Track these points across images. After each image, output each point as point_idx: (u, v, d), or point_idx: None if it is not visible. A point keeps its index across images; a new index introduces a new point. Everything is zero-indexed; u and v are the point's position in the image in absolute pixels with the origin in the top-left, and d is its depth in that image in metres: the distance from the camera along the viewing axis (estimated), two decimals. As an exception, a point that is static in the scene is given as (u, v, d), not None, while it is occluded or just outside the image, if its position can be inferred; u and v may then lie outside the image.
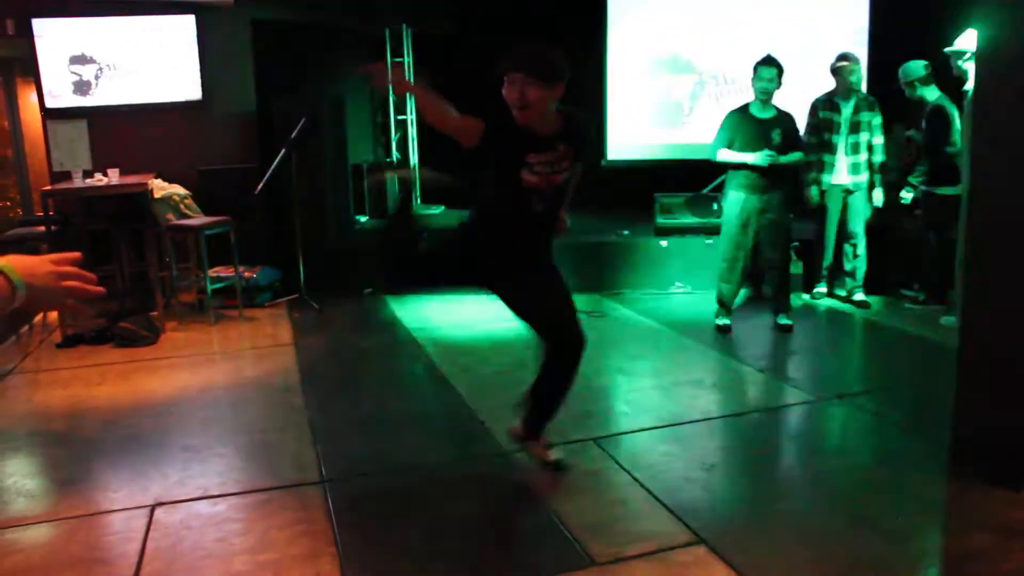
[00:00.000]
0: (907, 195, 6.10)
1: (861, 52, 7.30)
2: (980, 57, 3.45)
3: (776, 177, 5.49)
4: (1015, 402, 3.29)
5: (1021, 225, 3.22)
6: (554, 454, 3.59)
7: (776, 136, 5.41)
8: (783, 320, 5.72)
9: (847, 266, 6.48)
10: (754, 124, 5.46)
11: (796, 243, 6.65)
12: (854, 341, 5.97)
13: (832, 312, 6.40)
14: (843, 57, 6.20)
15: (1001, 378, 3.34)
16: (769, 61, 5.43)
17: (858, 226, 6.38)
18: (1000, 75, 3.26)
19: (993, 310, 3.37)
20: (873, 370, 5.24)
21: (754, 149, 5.40)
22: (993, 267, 3.37)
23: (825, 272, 6.61)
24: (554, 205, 3.32)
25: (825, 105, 6.28)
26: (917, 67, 6.01)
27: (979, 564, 2.82)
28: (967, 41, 5.26)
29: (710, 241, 6.89)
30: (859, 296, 6.44)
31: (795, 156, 5.53)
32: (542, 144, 3.15)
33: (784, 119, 5.51)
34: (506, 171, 3.17)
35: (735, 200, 5.60)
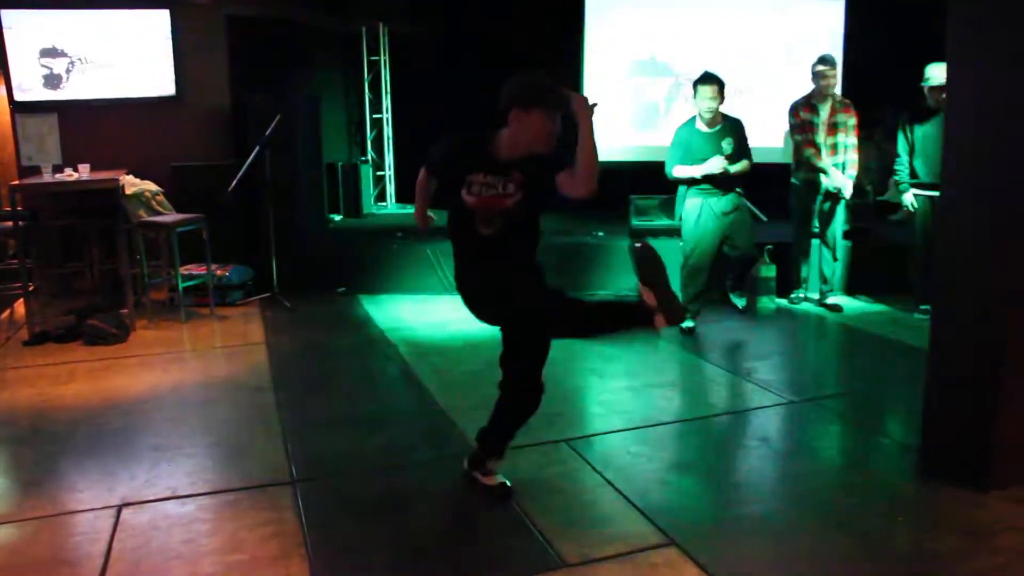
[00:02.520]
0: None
1: (836, 55, 7.37)
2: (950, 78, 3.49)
3: (730, 183, 5.57)
4: (983, 405, 3.32)
5: (990, 230, 3.26)
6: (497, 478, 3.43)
7: (727, 146, 5.49)
8: (735, 299, 5.85)
9: (826, 269, 6.52)
10: (703, 137, 5.55)
11: (770, 246, 6.69)
12: (827, 344, 6.01)
13: (805, 315, 6.44)
14: (822, 60, 6.26)
15: (969, 381, 3.38)
16: (707, 79, 5.48)
17: (836, 229, 6.43)
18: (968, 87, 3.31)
19: (962, 314, 3.40)
20: (844, 373, 5.28)
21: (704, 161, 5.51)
22: (962, 272, 3.40)
23: (805, 275, 6.65)
24: (512, 233, 3.18)
25: (804, 107, 6.35)
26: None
27: (946, 565, 2.85)
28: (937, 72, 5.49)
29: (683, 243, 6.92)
30: (832, 300, 6.49)
31: (740, 165, 5.54)
32: (494, 166, 3.14)
33: (732, 127, 5.56)
34: (450, 190, 3.23)
35: (694, 207, 5.69)
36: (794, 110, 6.38)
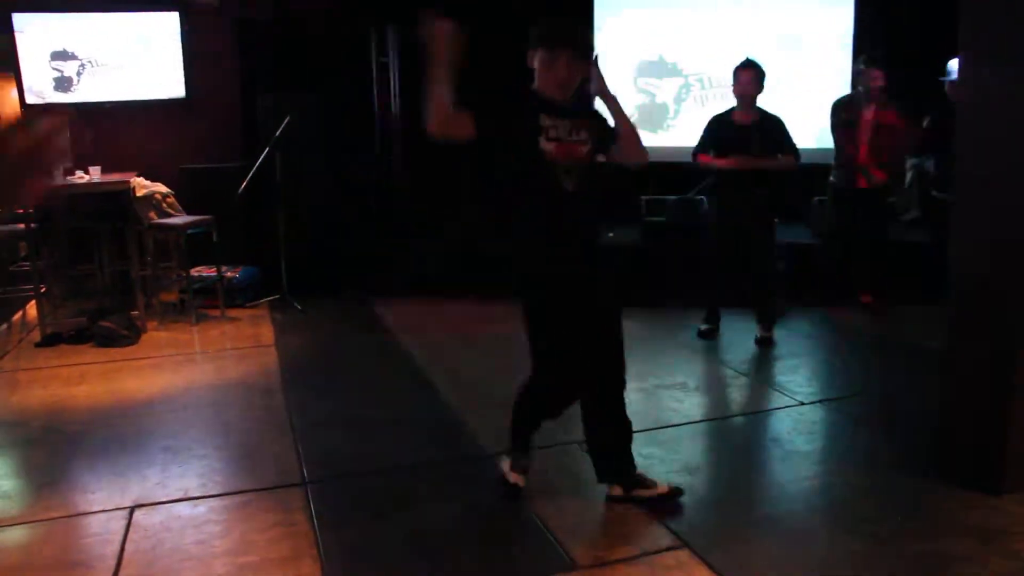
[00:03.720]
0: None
1: (845, 56, 7.35)
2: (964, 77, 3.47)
3: (757, 183, 5.40)
4: (997, 408, 3.30)
5: (1002, 233, 3.24)
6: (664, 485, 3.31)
7: (755, 141, 5.33)
8: (760, 333, 5.60)
9: (863, 268, 6.49)
10: (733, 129, 5.41)
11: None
12: (840, 346, 5.97)
13: (819, 316, 6.41)
14: (864, 61, 6.16)
15: (983, 384, 3.36)
16: (746, 65, 5.34)
17: (876, 228, 6.36)
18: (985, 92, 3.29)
19: (975, 317, 3.39)
20: (857, 375, 5.25)
21: (731, 154, 5.38)
22: (975, 275, 3.39)
23: (838, 274, 6.62)
24: (589, 189, 3.06)
25: (846, 106, 6.26)
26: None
27: (958, 569, 2.83)
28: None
29: (695, 244, 6.90)
30: (867, 299, 6.46)
31: (785, 161, 5.37)
32: (558, 110, 3.00)
33: (766, 123, 5.38)
34: (521, 142, 2.97)
35: (720, 204, 5.65)
36: (835, 109, 6.31)
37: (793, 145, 5.43)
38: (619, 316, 3.20)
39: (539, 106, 3.00)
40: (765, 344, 5.56)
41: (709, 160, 5.49)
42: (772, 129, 5.40)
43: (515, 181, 3.07)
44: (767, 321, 5.63)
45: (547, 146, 2.96)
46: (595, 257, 3.19)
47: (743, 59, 5.41)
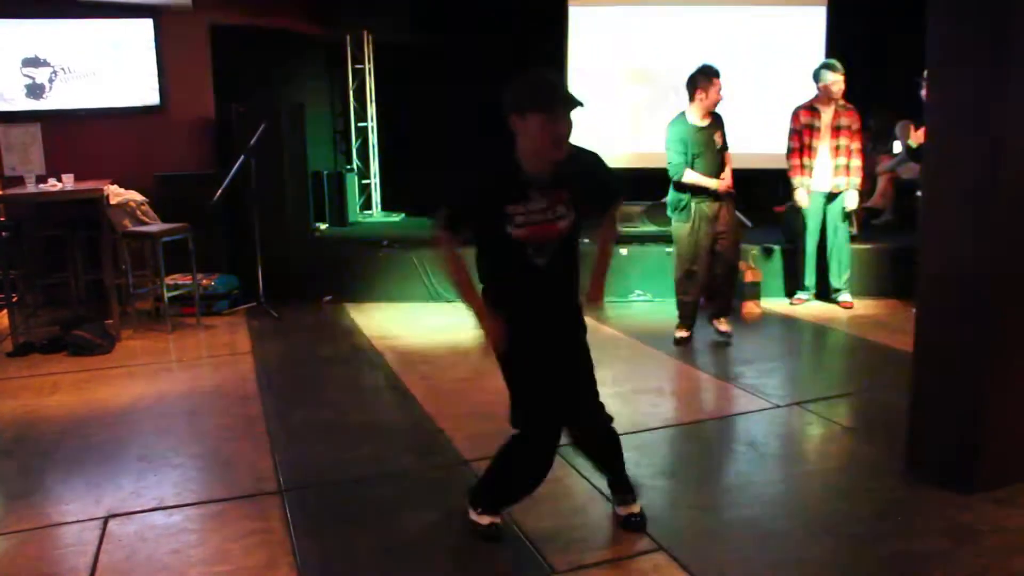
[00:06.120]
0: None
1: (819, 60, 7.43)
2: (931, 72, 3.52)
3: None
4: (968, 408, 3.35)
5: (971, 232, 3.28)
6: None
7: (717, 140, 5.43)
8: (720, 326, 5.62)
9: (832, 269, 6.58)
10: (697, 131, 5.42)
11: (755, 251, 6.75)
12: (814, 348, 6.03)
13: (793, 319, 6.46)
14: (830, 67, 6.31)
15: (953, 384, 3.40)
16: (717, 71, 5.36)
17: (840, 229, 6.49)
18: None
19: (945, 317, 3.43)
20: (833, 377, 5.30)
21: (705, 157, 5.38)
22: (945, 274, 3.43)
23: (809, 277, 6.71)
24: (564, 260, 2.94)
25: (806, 111, 6.42)
26: None
27: (932, 567, 2.87)
28: None
29: (669, 249, 6.93)
30: (844, 297, 6.57)
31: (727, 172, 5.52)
32: (533, 184, 2.81)
33: (719, 121, 5.50)
34: (489, 230, 2.84)
35: (688, 211, 5.49)
36: (794, 115, 6.46)
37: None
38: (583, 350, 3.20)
39: (509, 190, 2.81)
40: (725, 337, 5.63)
41: (699, 180, 5.43)
42: (723, 126, 5.54)
43: (485, 251, 2.97)
44: (727, 314, 5.70)
45: (517, 232, 2.82)
46: (567, 321, 3.07)
47: (708, 66, 5.40)
